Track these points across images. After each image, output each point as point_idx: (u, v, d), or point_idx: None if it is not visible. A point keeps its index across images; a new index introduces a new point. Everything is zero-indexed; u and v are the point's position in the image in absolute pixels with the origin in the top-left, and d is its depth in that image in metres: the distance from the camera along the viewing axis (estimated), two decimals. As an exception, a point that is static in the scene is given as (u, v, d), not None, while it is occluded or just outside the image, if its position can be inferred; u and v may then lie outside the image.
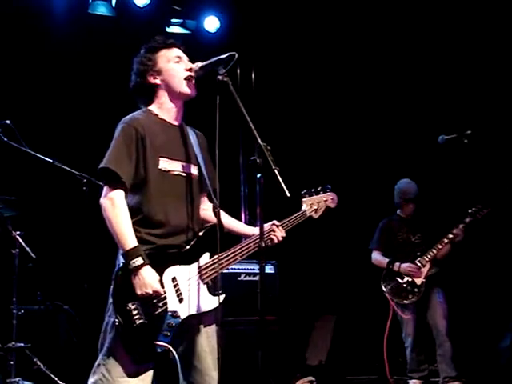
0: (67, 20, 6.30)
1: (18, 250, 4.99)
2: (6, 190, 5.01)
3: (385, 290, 5.79)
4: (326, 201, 3.41)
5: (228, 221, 3.24)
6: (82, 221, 6.07)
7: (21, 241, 5.01)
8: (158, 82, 3.10)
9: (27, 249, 5.02)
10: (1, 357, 4.79)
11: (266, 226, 3.13)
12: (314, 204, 3.36)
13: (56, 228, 6.12)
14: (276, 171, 2.64)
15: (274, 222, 3.17)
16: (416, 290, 5.66)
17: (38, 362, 4.98)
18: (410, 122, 7.01)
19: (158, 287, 2.80)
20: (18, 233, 5.02)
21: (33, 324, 5.32)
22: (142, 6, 6.58)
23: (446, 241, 5.58)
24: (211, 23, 7.07)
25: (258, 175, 2.69)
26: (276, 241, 3.14)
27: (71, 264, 5.93)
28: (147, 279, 2.78)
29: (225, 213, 3.22)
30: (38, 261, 5.07)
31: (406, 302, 5.68)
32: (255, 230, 3.12)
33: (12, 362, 4.74)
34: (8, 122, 4.68)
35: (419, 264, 5.65)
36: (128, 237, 2.82)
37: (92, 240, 6.04)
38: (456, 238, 5.55)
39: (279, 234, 3.15)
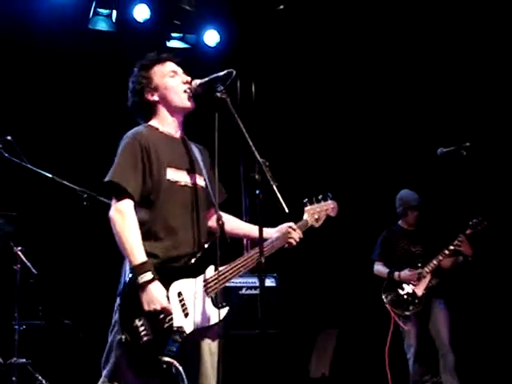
0: (67, 36, 6.32)
1: (19, 265, 5.00)
2: (7, 206, 5.03)
3: (385, 301, 5.78)
4: (326, 209, 3.35)
5: (235, 224, 3.22)
6: (82, 236, 6.10)
7: (22, 256, 5.02)
8: (156, 98, 3.11)
9: (28, 264, 5.03)
10: (2, 373, 4.79)
11: (283, 229, 3.11)
12: (315, 213, 3.30)
13: (57, 243, 6.12)
14: (275, 187, 2.64)
15: (291, 224, 3.14)
16: (417, 301, 5.65)
17: (40, 377, 4.98)
18: (409, 135, 7.01)
19: (166, 304, 2.75)
20: (19, 248, 5.04)
21: (34, 340, 5.32)
22: (142, 21, 6.59)
23: (446, 252, 5.57)
24: (211, 37, 7.07)
25: (257, 191, 2.68)
26: (294, 243, 3.11)
27: (73, 279, 5.94)
28: (156, 295, 2.73)
29: (233, 217, 3.22)
30: (40, 276, 5.08)
31: (406, 313, 5.67)
32: (268, 231, 3.09)
33: (14, 378, 4.75)
34: (9, 137, 4.69)
35: (420, 275, 5.65)
36: (138, 251, 2.77)
37: (93, 255, 6.07)
38: (461, 249, 5.53)
39: (296, 235, 3.12)
